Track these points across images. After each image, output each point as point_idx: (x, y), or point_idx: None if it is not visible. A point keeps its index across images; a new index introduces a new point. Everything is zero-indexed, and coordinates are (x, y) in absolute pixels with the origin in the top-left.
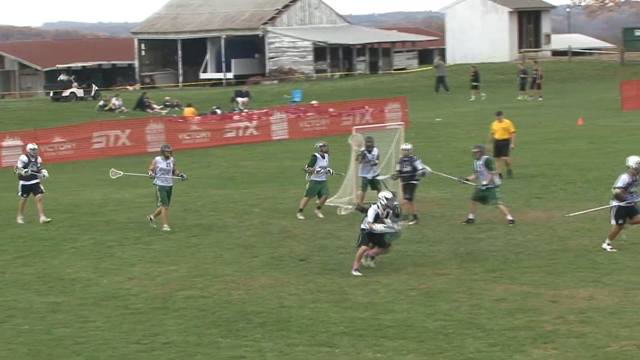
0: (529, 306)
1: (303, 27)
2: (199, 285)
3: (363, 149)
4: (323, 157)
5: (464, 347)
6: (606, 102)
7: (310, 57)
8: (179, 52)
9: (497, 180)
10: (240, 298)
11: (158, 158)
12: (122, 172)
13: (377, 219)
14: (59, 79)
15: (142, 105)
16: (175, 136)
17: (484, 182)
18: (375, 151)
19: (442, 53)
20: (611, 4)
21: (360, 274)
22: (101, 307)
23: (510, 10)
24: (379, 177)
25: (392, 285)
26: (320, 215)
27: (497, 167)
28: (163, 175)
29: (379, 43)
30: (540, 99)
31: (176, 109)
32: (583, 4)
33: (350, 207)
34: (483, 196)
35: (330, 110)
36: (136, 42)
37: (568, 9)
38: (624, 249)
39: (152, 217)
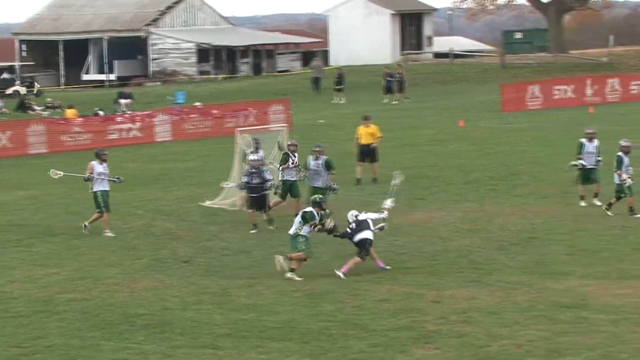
0: (412, 307)
1: (186, 29)
2: (82, 288)
3: (251, 149)
4: (294, 156)
5: (347, 347)
6: (487, 104)
7: (194, 59)
8: (61, 53)
9: (335, 185)
10: (123, 300)
11: (94, 163)
12: (62, 173)
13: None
14: (1, 77)
15: (23, 106)
16: (57, 138)
17: (318, 184)
18: (261, 153)
19: (325, 55)
20: (491, 7)
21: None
22: None
23: (393, 12)
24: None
25: (276, 287)
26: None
27: (359, 172)
28: (102, 179)
29: (262, 45)
30: (407, 100)
31: (58, 110)
32: (464, 6)
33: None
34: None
35: (214, 112)
36: (17, 43)
37: (449, 12)
38: (502, 249)
39: (86, 224)
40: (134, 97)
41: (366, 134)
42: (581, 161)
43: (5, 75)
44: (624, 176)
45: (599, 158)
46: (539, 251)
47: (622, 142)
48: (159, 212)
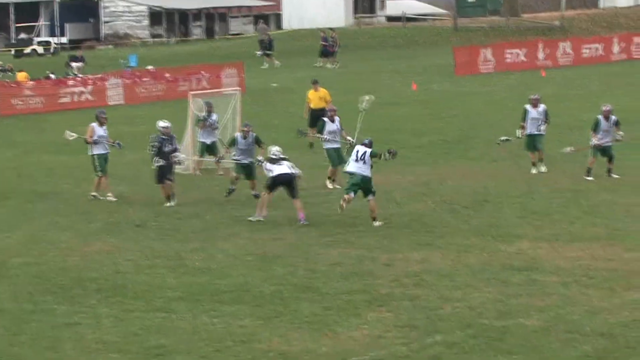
0: (364, 270)
1: None
2: (34, 252)
3: (204, 114)
4: (332, 122)
5: (300, 310)
6: (440, 67)
7: (146, 22)
8: (12, 16)
9: (260, 158)
10: (75, 264)
11: (94, 125)
12: (76, 134)
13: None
14: (19, 37)
15: None
16: (7, 101)
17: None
18: (214, 116)
19: (278, 18)
20: None
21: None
22: None
23: None
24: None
25: (228, 251)
26: (330, 186)
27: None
28: (102, 142)
29: (215, 8)
30: (334, 65)
31: (9, 73)
32: None
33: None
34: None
35: (167, 75)
36: None
37: None
38: (455, 212)
39: (94, 194)
40: (86, 61)
41: (316, 98)
42: (520, 131)
43: (22, 36)
44: (594, 140)
45: (542, 125)
46: (491, 214)
47: (603, 107)
48: (111, 176)
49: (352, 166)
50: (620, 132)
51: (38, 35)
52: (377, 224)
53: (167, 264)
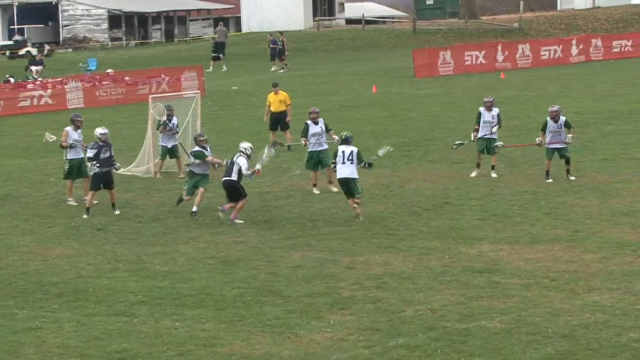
0: (326, 273)
1: None
2: None
3: (164, 118)
4: (316, 124)
5: (262, 314)
6: (399, 70)
7: (105, 25)
8: None
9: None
10: (36, 269)
11: (68, 128)
12: (55, 137)
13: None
14: (14, 38)
15: None
16: None
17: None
18: (174, 120)
19: (237, 21)
20: None
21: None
22: None
23: None
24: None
25: (190, 254)
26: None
27: (271, 138)
28: (76, 146)
29: (174, 11)
30: (283, 70)
31: None
32: None
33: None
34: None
35: (126, 78)
36: None
37: None
38: (416, 215)
39: (71, 200)
40: (45, 64)
41: (276, 101)
42: (474, 134)
43: (17, 37)
44: (538, 140)
45: (494, 127)
46: (452, 216)
47: (550, 108)
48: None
49: (342, 171)
50: (570, 135)
51: None
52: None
53: (129, 267)
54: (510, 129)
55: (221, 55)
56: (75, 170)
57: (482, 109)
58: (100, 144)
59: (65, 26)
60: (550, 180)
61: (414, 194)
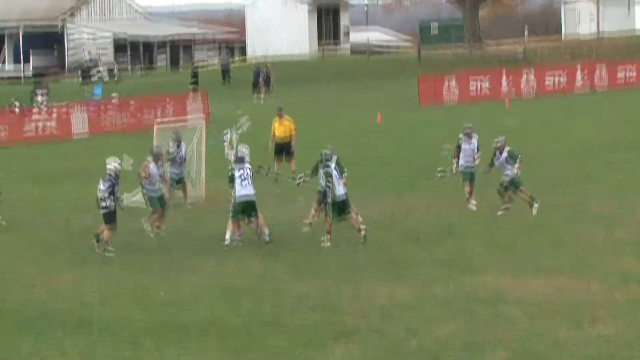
0: (330, 303)
1: (103, 21)
2: None
3: (172, 149)
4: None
5: (266, 344)
6: (404, 97)
7: (111, 52)
8: None
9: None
10: (40, 297)
11: (149, 162)
12: (132, 160)
13: None
14: (85, 60)
15: None
16: None
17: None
18: (183, 148)
19: (243, 48)
20: (407, 2)
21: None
22: None
23: (310, 5)
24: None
25: (195, 283)
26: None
27: (276, 167)
28: (155, 180)
29: (179, 37)
30: (267, 98)
31: None
32: (380, 2)
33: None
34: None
35: (132, 105)
36: None
37: (366, 4)
38: (421, 244)
39: (156, 226)
40: (49, 90)
41: (280, 128)
42: (453, 166)
43: (87, 61)
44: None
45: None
46: (456, 246)
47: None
48: (76, 207)
49: (340, 189)
50: (509, 167)
51: (2, 63)
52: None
53: (133, 296)
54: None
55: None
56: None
57: (461, 137)
58: (114, 180)
59: (71, 51)
60: (501, 213)
61: (419, 222)
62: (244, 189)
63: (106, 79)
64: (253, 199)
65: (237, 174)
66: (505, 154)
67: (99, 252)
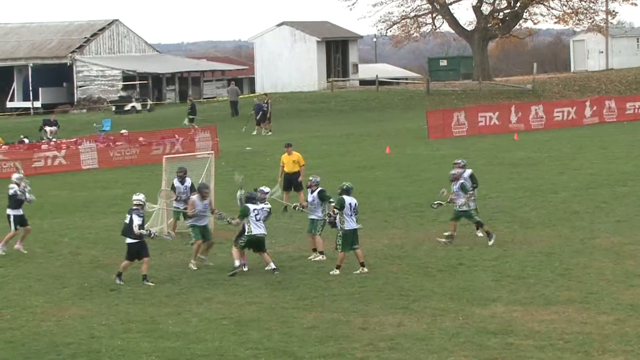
0: (340, 333)
1: (112, 56)
2: (7, 317)
3: (172, 199)
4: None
5: None
6: (413, 131)
7: (120, 86)
8: None
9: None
10: (49, 329)
11: (194, 198)
12: (243, 176)
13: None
14: (119, 94)
15: None
16: None
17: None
18: (188, 181)
19: (252, 82)
20: (416, 34)
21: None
22: None
23: (318, 39)
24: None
25: (203, 314)
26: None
27: (285, 198)
28: (202, 216)
29: (188, 72)
30: (270, 133)
31: None
32: (389, 34)
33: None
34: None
35: (140, 139)
36: None
37: (375, 39)
38: (430, 276)
39: (200, 257)
40: (59, 125)
41: (289, 161)
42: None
43: (122, 93)
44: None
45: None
46: (466, 277)
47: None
48: (85, 240)
49: (352, 223)
50: (456, 198)
51: (12, 100)
52: (365, 270)
53: (142, 328)
54: (523, 190)
55: (188, 116)
56: (199, 233)
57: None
58: (142, 213)
59: (80, 87)
60: (443, 240)
61: (428, 254)
62: (258, 228)
63: (139, 108)
64: (264, 238)
65: (252, 213)
66: (458, 183)
67: (119, 285)
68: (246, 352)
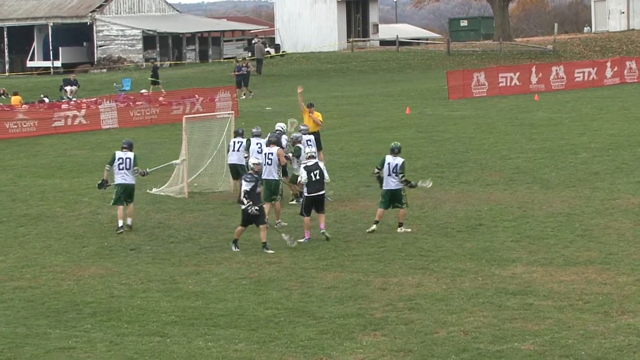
0: (359, 294)
1: (132, 16)
2: (28, 276)
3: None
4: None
5: (295, 335)
6: (433, 91)
7: (140, 46)
8: (5, 40)
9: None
10: (69, 288)
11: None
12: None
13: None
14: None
15: None
16: (1, 125)
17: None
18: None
19: (272, 42)
20: None
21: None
22: None
23: (339, 0)
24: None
25: (223, 274)
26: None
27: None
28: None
29: (208, 32)
30: (251, 95)
31: (3, 97)
32: None
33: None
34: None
35: (160, 99)
36: None
37: (395, 1)
38: (450, 237)
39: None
40: (79, 84)
41: (311, 122)
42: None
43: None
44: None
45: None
46: (485, 238)
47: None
48: (105, 199)
49: (388, 183)
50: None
51: (32, 59)
52: (402, 230)
53: (162, 287)
54: (544, 151)
55: (152, 79)
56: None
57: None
58: (256, 175)
59: (100, 47)
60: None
61: (448, 215)
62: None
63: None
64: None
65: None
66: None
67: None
68: (265, 312)
